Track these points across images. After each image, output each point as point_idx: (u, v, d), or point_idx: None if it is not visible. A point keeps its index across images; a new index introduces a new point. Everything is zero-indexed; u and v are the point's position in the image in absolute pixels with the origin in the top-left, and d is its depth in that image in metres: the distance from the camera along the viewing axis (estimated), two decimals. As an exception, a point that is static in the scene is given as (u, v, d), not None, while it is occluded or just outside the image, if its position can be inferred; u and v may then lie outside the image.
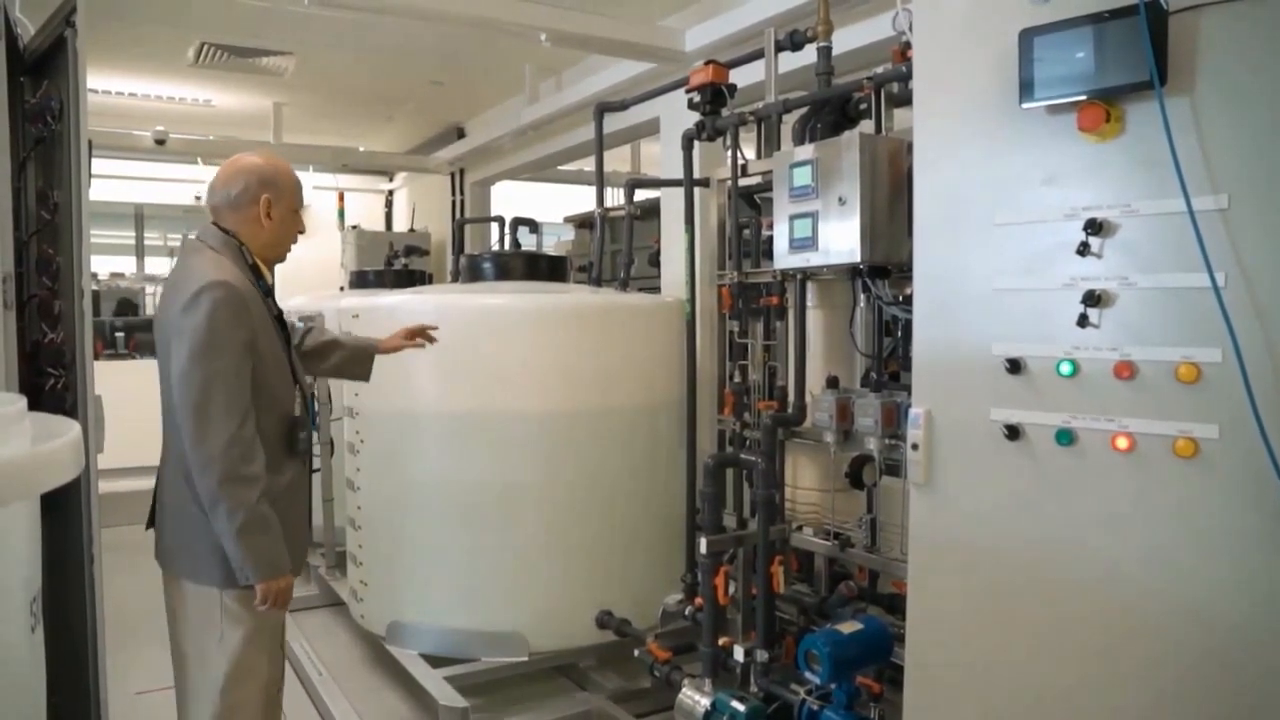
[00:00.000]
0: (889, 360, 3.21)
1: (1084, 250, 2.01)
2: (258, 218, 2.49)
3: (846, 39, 4.05)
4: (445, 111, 8.59)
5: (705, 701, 3.03)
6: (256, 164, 2.54)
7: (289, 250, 2.63)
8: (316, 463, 2.81)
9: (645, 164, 9.34)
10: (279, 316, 2.55)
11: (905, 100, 2.97)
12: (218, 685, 2.47)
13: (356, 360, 2.99)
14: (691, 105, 3.81)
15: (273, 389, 2.44)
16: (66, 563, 2.71)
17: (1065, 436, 2.07)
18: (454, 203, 9.15)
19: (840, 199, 2.90)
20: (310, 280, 9.09)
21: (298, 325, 2.96)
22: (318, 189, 10.09)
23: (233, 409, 2.28)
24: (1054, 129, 2.07)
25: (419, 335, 3.08)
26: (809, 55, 3.57)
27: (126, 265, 12.64)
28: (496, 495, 3.90)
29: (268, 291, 2.52)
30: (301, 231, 2.64)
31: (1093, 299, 2.00)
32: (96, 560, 2.74)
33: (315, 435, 2.48)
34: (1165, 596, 1.92)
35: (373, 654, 4.49)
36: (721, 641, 3.14)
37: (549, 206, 9.96)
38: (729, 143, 3.67)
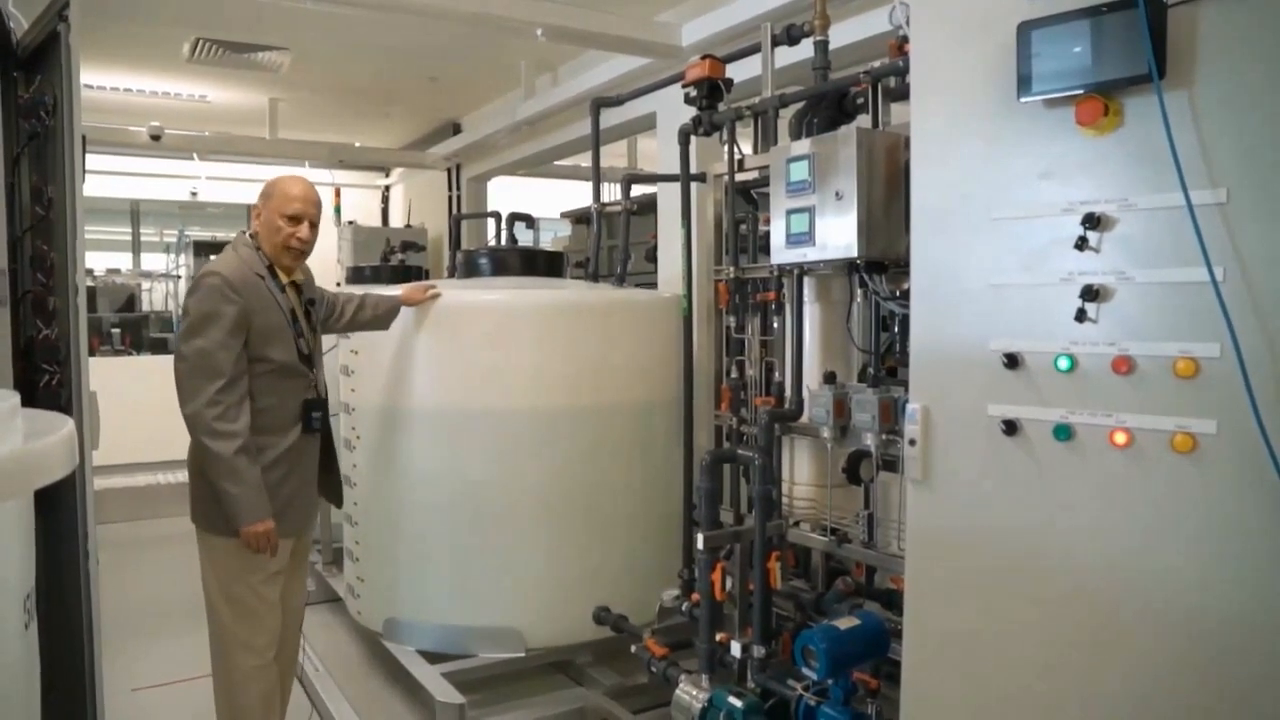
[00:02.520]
0: (886, 356, 3.20)
1: (1082, 245, 2.00)
2: (253, 221, 3.05)
3: (843, 33, 4.04)
4: (441, 107, 8.58)
5: (702, 697, 3.03)
6: (268, 181, 3.08)
7: (278, 250, 3.01)
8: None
9: (642, 159, 9.31)
10: (294, 310, 3.01)
11: (902, 95, 2.96)
12: (229, 623, 2.91)
13: (389, 314, 3.71)
14: (688, 100, 3.80)
15: (280, 367, 2.91)
16: (62, 560, 2.70)
17: (1063, 432, 2.07)
18: (450, 198, 9.13)
19: (837, 194, 2.89)
20: (306, 276, 9.07)
21: (349, 296, 3.59)
22: (314, 185, 10.07)
23: (214, 375, 2.74)
24: (1052, 123, 2.06)
25: (429, 291, 3.87)
26: (805, 50, 3.56)
27: (123, 261, 12.64)
28: (493, 491, 3.89)
29: (281, 288, 2.99)
30: (300, 238, 3.01)
31: (1090, 294, 1.99)
32: (92, 557, 2.73)
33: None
34: (1162, 591, 1.92)
35: (369, 650, 4.49)
36: (718, 637, 3.13)
37: (546, 202, 9.95)
38: (726, 138, 3.65)
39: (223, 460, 2.72)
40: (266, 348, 2.88)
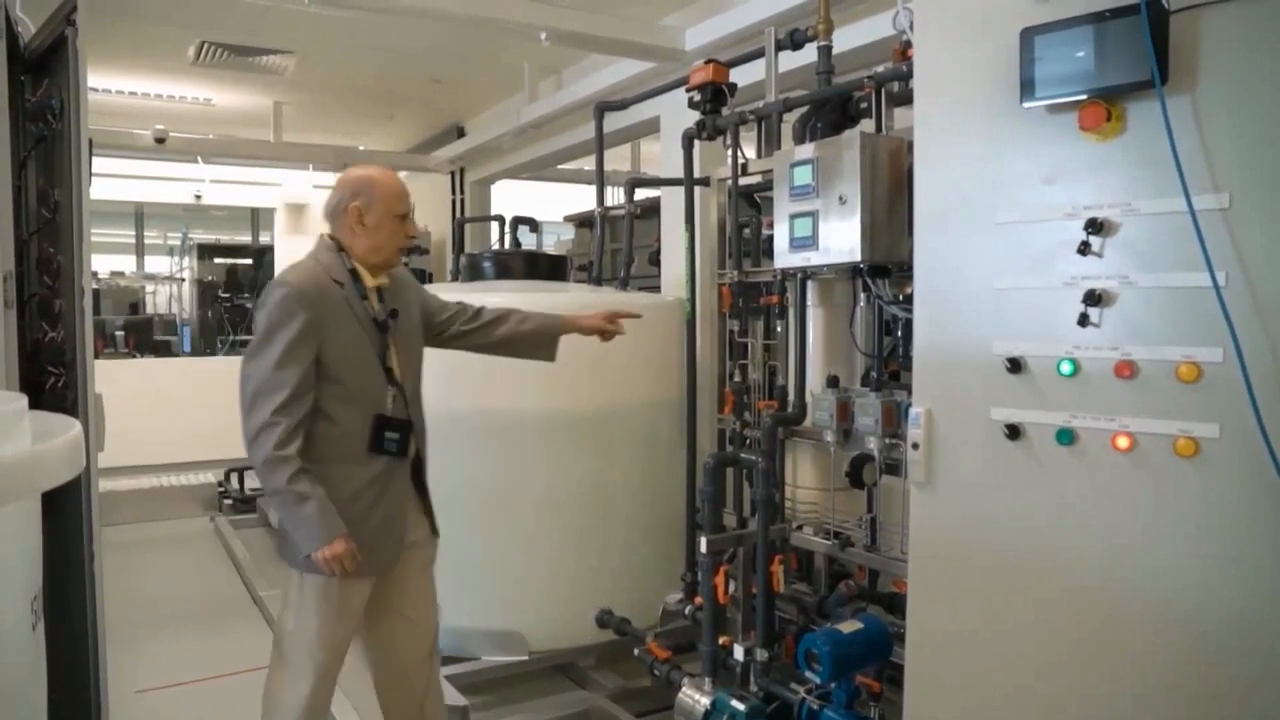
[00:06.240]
0: (889, 359, 3.20)
1: (1085, 249, 2.01)
2: (351, 226, 2.64)
3: (847, 38, 4.05)
4: (445, 110, 8.59)
5: (705, 700, 3.03)
6: (352, 176, 2.71)
7: (394, 254, 2.72)
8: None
9: (645, 163, 9.33)
10: (377, 319, 2.65)
11: (906, 99, 2.97)
12: (285, 658, 2.63)
13: (538, 340, 3.07)
14: (692, 104, 3.80)
15: (356, 385, 2.58)
16: (67, 561, 2.71)
17: (1066, 436, 2.07)
18: (454, 201, 9.15)
19: (841, 198, 2.89)
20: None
21: (473, 306, 3.08)
22: (317, 188, 10.09)
23: (274, 392, 2.43)
24: (1055, 128, 2.07)
25: (619, 319, 3.11)
26: (809, 54, 3.56)
27: (127, 264, 12.66)
28: (496, 494, 3.89)
29: (364, 295, 2.64)
30: (411, 237, 2.76)
31: (1093, 298, 2.00)
32: (96, 558, 2.74)
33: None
34: (1163, 593, 1.92)
35: (373, 653, 4.49)
36: (721, 640, 3.14)
37: (549, 205, 9.97)
38: (729, 142, 3.66)
39: (280, 489, 2.43)
40: (340, 365, 2.55)
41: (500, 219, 7.43)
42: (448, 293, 4.00)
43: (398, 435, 2.63)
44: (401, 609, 2.77)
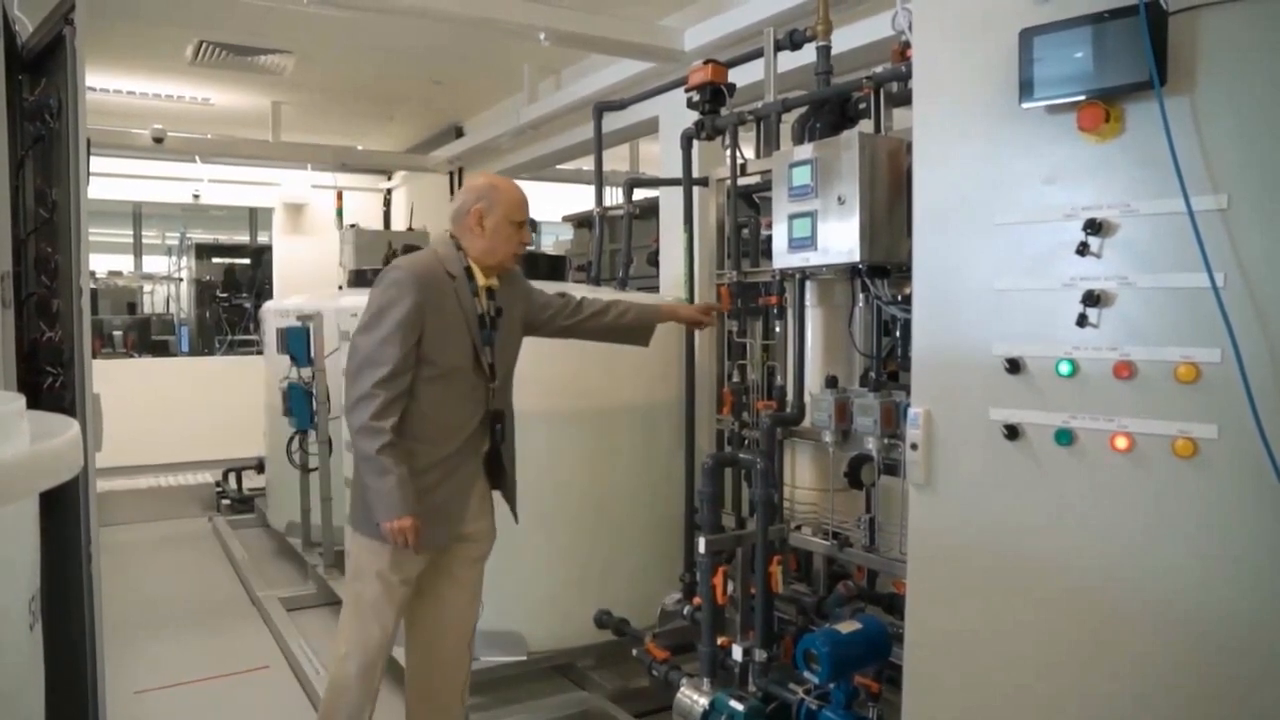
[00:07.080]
0: (888, 360, 3.21)
1: (1083, 250, 2.01)
2: (471, 227, 2.83)
3: (846, 38, 4.05)
4: (444, 110, 8.60)
5: (703, 701, 3.03)
6: (479, 182, 2.93)
7: (507, 257, 2.89)
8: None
9: (644, 163, 9.34)
10: (484, 315, 2.83)
11: (905, 100, 2.97)
12: (348, 623, 2.86)
13: (636, 328, 3.26)
14: (690, 104, 3.81)
15: (445, 371, 2.75)
16: (65, 561, 2.71)
17: (1064, 436, 2.07)
18: (453, 202, 9.14)
19: (839, 198, 2.90)
20: (309, 279, 9.11)
21: (575, 298, 3.22)
22: (316, 188, 10.10)
23: (377, 365, 2.64)
24: (1054, 129, 2.07)
25: (712, 311, 3.52)
26: (808, 54, 3.57)
27: (125, 263, 12.66)
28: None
29: (474, 292, 2.82)
30: (525, 243, 2.93)
31: (1092, 299, 2.00)
32: (94, 559, 2.73)
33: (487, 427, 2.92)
34: (1162, 592, 1.92)
35: (371, 653, 4.48)
36: (720, 641, 3.13)
37: (548, 205, 9.97)
38: (728, 142, 3.66)
39: (365, 456, 2.64)
40: (437, 351, 2.73)
41: (499, 219, 7.41)
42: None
43: (500, 425, 2.89)
44: (443, 594, 2.95)
